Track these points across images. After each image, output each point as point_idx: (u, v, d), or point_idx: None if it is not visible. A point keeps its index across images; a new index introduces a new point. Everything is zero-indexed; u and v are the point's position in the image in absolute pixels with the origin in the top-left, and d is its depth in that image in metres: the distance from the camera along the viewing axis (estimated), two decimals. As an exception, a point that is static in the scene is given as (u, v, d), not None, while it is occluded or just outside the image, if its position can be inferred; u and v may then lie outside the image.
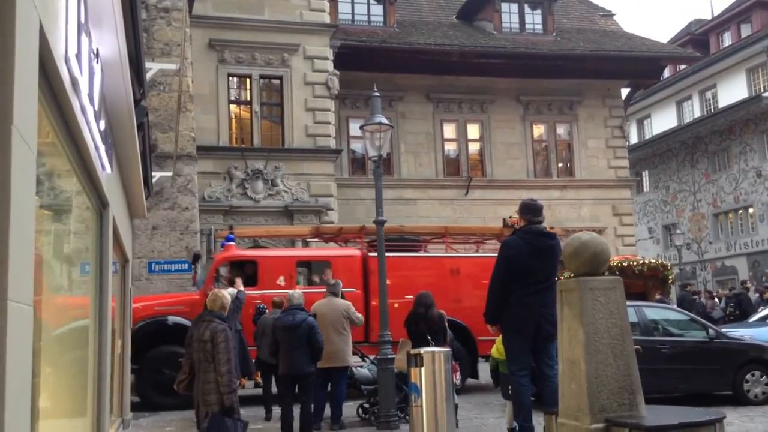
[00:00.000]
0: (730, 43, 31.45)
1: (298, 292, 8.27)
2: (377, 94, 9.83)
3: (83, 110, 3.37)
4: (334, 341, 8.51)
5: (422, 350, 7.18)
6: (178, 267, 12.91)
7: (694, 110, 32.69)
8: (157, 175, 11.66)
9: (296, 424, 7.70)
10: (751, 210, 29.24)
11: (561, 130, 23.19)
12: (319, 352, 7.77)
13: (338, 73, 18.75)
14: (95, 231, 5.41)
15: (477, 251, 13.73)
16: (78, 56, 3.04)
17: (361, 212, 19.68)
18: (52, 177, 3.48)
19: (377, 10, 21.84)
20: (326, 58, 18.67)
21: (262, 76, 18.35)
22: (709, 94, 32.02)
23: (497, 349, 6.93)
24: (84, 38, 3.22)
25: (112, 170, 5.39)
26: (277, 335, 7.87)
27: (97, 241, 5.49)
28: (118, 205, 6.79)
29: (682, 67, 31.71)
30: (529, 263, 5.84)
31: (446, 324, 9.39)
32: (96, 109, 3.73)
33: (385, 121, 9.57)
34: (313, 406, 8.17)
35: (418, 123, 21.82)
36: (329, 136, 18.60)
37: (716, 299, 20.69)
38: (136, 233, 11.77)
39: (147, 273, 12.62)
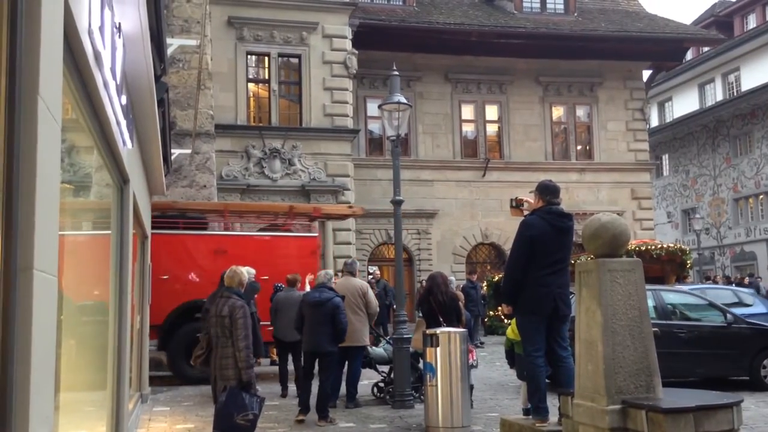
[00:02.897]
0: (755, 25, 30.91)
1: (329, 272, 8.45)
2: (396, 72, 9.78)
3: (105, 84, 3.38)
4: (350, 321, 8.53)
5: (438, 330, 7.21)
6: (195, 244, 12.96)
7: (716, 93, 32.23)
8: (175, 152, 11.69)
9: (312, 402, 7.77)
10: (772, 195, 28.86)
11: (580, 112, 22.98)
12: (341, 332, 7.78)
13: (356, 52, 18.66)
14: (116, 207, 5.45)
15: (290, 230, 12.78)
16: (101, 30, 3.04)
17: (378, 192, 19.69)
18: (74, 151, 3.51)
19: (397, -12, 21.68)
20: (345, 37, 18.58)
21: (280, 55, 18.32)
22: (732, 77, 31.54)
23: (512, 330, 6.93)
24: (107, 12, 3.22)
25: (132, 146, 5.41)
26: (303, 311, 7.94)
27: (118, 216, 5.54)
28: (138, 181, 6.83)
29: (705, 49, 31.22)
30: (550, 243, 5.81)
31: (460, 305, 9.41)
32: (118, 83, 3.73)
33: (403, 100, 9.53)
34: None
35: (436, 103, 21.72)
36: (347, 115, 18.56)
37: (734, 285, 20.54)
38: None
39: (165, 250, 12.70)
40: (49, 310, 2.06)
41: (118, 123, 4.06)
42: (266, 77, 18.46)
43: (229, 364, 5.42)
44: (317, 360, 7.91)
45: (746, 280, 20.98)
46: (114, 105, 3.74)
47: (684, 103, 33.73)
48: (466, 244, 21.70)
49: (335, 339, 7.81)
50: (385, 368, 9.30)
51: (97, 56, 3.06)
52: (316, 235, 12.17)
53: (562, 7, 22.77)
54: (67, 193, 3.25)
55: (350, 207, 13.50)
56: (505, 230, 20.13)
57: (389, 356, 9.20)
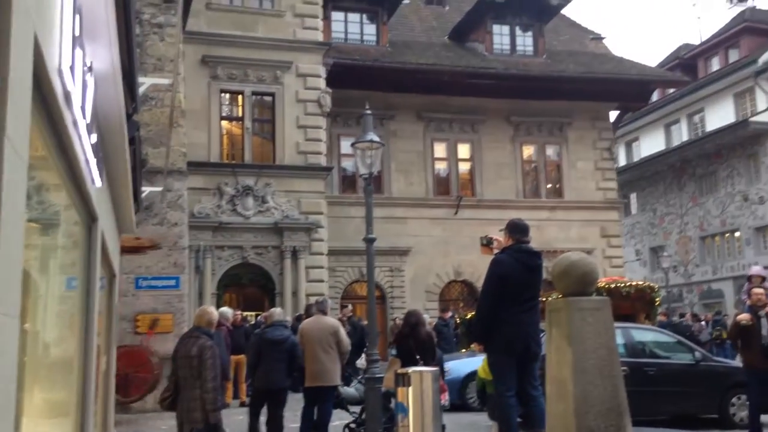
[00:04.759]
0: (718, 67, 31.88)
1: (279, 309, 8.59)
2: (369, 112, 9.88)
3: (75, 123, 3.37)
4: (321, 360, 8.45)
5: (410, 369, 7.16)
6: (165, 283, 12.80)
7: (682, 134, 33.03)
8: (146, 190, 11.61)
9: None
10: (737, 234, 29.45)
11: (550, 151, 23.34)
12: (298, 369, 8.10)
13: (330, 90, 18.83)
14: (83, 246, 5.37)
15: None
16: (72, 69, 3.04)
17: (351, 230, 19.67)
18: (41, 190, 3.47)
19: (370, 29, 22.01)
20: (319, 76, 18.76)
21: (254, 93, 18.40)
22: (697, 118, 32.38)
23: (483, 369, 6.92)
24: (78, 51, 3.22)
25: (102, 184, 5.37)
26: (262, 349, 7.98)
27: (85, 256, 5.46)
28: (107, 219, 6.76)
29: (671, 90, 32.08)
30: (520, 281, 5.85)
31: (435, 343, 9.37)
32: (88, 122, 3.72)
33: (376, 139, 9.61)
34: (300, 425, 8.20)
35: (409, 142, 21.91)
36: (320, 153, 18.63)
37: (703, 322, 20.83)
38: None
39: (134, 289, 12.51)
40: (9, 353, 2.02)
41: (87, 161, 4.03)
42: (240, 115, 18.50)
43: (197, 406, 5.33)
44: (270, 397, 8.03)
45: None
46: (83, 143, 3.72)
47: (651, 143, 34.49)
48: (439, 281, 21.72)
49: (290, 375, 8.14)
50: (357, 408, 9.19)
51: (67, 96, 3.05)
52: None
53: (531, 49, 23.29)
54: (32, 231, 3.21)
55: (137, 239, 12.47)
56: (478, 268, 20.18)
57: (361, 396, 9.10)
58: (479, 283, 16.53)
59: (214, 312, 5.92)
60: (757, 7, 33.83)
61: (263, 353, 7.97)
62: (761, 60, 28.58)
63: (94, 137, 4.21)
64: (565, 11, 24.41)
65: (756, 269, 8.90)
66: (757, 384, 7.98)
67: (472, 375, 9.88)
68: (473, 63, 21.81)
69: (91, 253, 5.54)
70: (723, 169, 30.02)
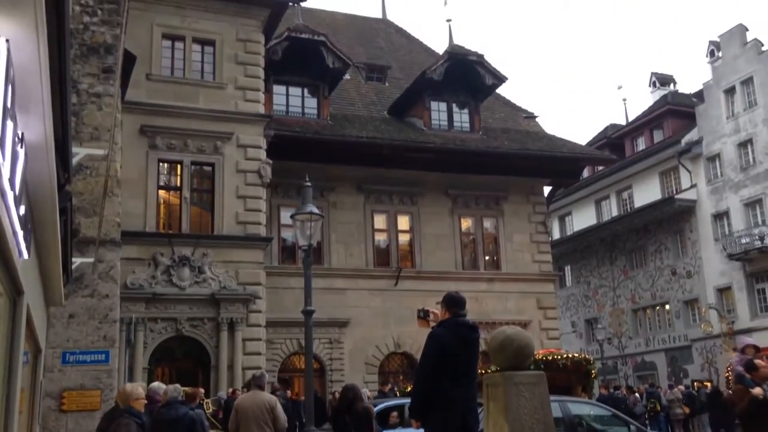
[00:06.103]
0: (644, 147, 33.52)
1: (174, 386, 8.22)
2: (309, 183, 9.96)
3: (3, 194, 3.29)
4: (256, 438, 8.18)
5: (347, 447, 7.00)
6: (94, 358, 12.25)
7: (611, 209, 34.28)
8: (77, 261, 11.25)
9: None
10: (667, 306, 30.37)
11: (488, 224, 23.80)
12: None
13: (271, 162, 18.89)
14: (7, 320, 5.15)
15: None
16: (1, 141, 2.99)
17: (290, 301, 19.41)
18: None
19: (311, 102, 22.38)
20: (259, 147, 18.83)
21: (193, 163, 18.29)
22: (625, 195, 33.74)
23: (422, 445, 6.80)
24: (9, 123, 3.18)
25: (29, 256, 5.19)
26: (158, 430, 7.57)
27: (8, 330, 5.22)
28: (34, 292, 6.51)
29: (600, 168, 33.42)
30: (457, 356, 5.84)
31: (373, 419, 9.20)
32: (17, 194, 3.63)
33: (316, 210, 9.65)
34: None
35: (349, 213, 22.03)
36: (260, 223, 18.52)
37: (637, 394, 21.11)
38: (51, 321, 11.21)
39: (60, 364, 11.93)
40: None
41: (15, 233, 3.91)
42: (178, 184, 18.30)
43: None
44: None
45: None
46: (11, 215, 3.62)
47: (582, 218, 35.65)
48: (379, 353, 21.49)
49: None
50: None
51: (-4, 167, 2.99)
52: None
53: (468, 125, 24.04)
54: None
55: None
56: (417, 339, 20.11)
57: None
58: (419, 355, 16.42)
59: (129, 389, 5.70)
60: (679, 91, 36.00)
61: None
62: (684, 141, 30.24)
63: (22, 209, 4.10)
64: (499, 90, 25.40)
65: (749, 340, 8.85)
66: None
67: None
68: (412, 137, 22.33)
69: (15, 327, 5.31)
70: (651, 244, 31.17)
